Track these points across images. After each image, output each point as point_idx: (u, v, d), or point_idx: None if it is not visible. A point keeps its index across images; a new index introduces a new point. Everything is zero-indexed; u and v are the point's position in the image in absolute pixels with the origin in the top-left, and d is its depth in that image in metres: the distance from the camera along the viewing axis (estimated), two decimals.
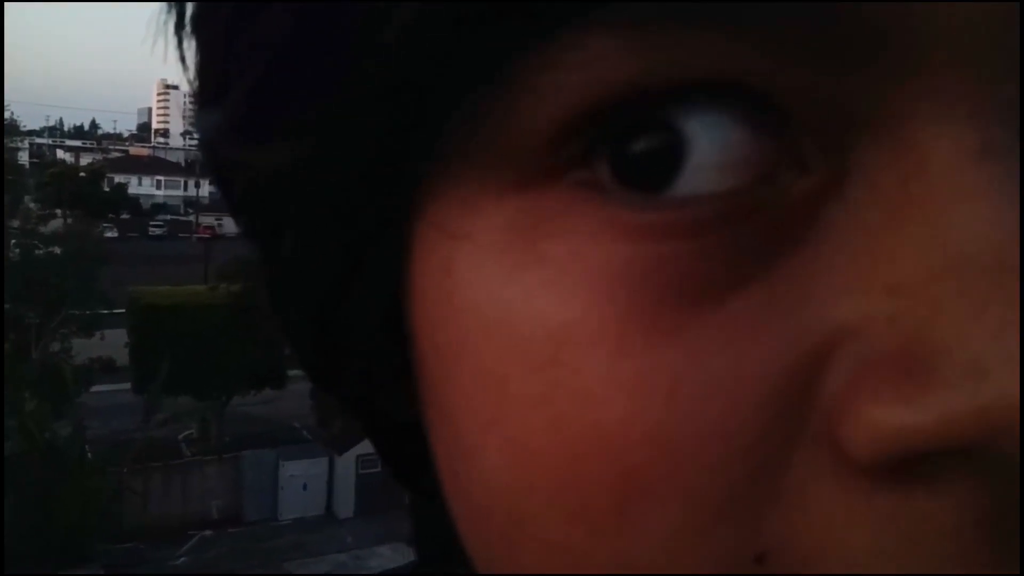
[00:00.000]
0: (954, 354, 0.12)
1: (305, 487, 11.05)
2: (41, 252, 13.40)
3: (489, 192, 0.16)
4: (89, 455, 9.44)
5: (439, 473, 0.19)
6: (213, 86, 0.18)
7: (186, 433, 12.30)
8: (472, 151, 0.16)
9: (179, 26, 0.19)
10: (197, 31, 0.18)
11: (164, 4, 0.19)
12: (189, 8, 0.19)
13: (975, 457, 0.13)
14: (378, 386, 0.20)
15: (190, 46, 0.19)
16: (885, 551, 0.13)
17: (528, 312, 0.15)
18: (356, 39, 0.15)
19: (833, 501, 0.14)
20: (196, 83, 0.19)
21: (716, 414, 0.14)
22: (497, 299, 0.16)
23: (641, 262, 0.14)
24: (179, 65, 0.19)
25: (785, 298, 0.14)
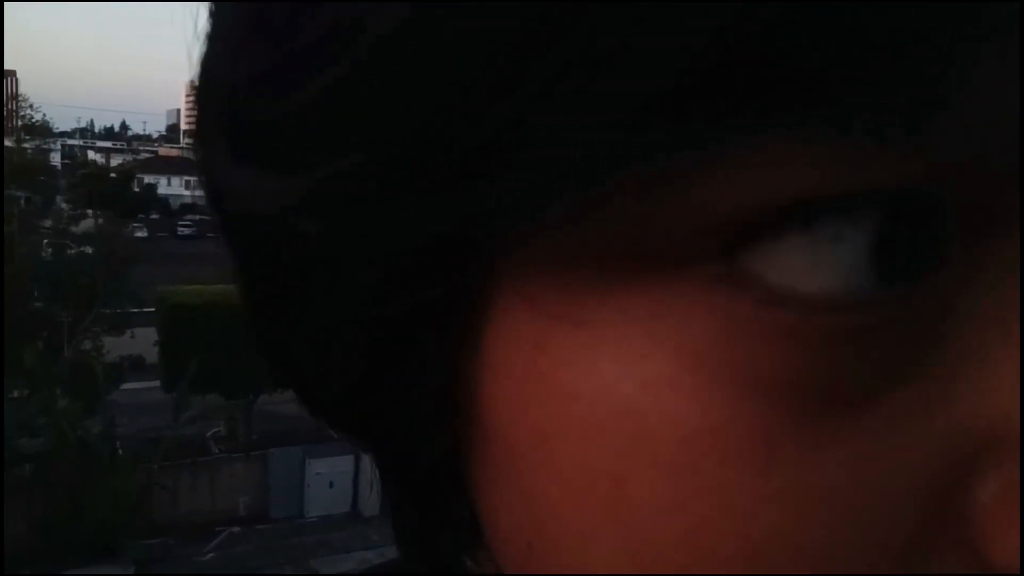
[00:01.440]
0: None
1: (331, 485, 11.12)
2: (73, 252, 13.63)
3: (599, 273, 0.14)
4: (119, 452, 9.57)
5: (496, 537, 0.18)
6: (278, 142, 0.15)
7: (214, 431, 12.42)
8: (581, 231, 0.14)
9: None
10: (256, 86, 0.15)
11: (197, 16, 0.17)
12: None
13: None
14: (414, 432, 0.18)
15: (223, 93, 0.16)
16: None
17: (655, 411, 0.14)
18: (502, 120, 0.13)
19: None
20: (236, 130, 0.16)
21: (870, 525, 0.13)
22: (612, 391, 0.14)
23: (791, 367, 0.13)
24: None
25: (930, 399, 0.14)
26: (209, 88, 0.17)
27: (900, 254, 0.13)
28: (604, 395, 0.14)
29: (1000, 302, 0.13)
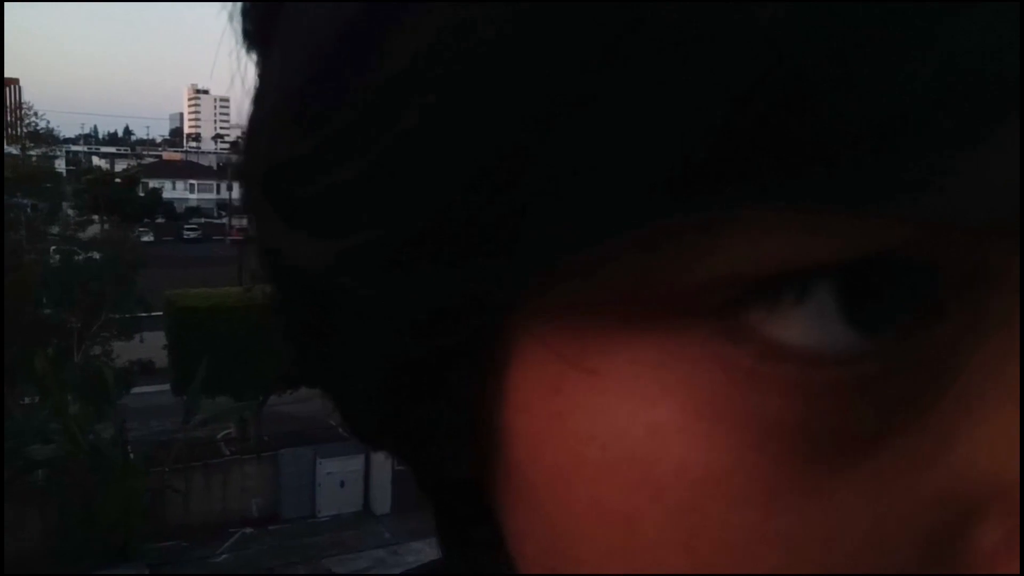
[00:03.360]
0: None
1: (342, 484, 11.16)
2: (80, 257, 13.69)
3: (610, 323, 0.15)
4: (131, 456, 9.61)
5: (522, 558, 0.19)
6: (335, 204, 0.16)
7: (224, 433, 12.46)
8: (590, 285, 0.15)
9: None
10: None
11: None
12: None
13: None
14: (441, 459, 0.20)
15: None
16: None
17: (663, 455, 0.15)
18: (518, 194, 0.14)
19: None
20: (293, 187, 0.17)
21: (867, 567, 0.14)
22: (623, 435, 0.15)
23: (793, 416, 0.14)
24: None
25: (929, 448, 0.14)
26: (255, 163, 0.18)
27: (877, 310, 0.14)
28: (616, 438, 0.15)
29: (998, 354, 0.14)
